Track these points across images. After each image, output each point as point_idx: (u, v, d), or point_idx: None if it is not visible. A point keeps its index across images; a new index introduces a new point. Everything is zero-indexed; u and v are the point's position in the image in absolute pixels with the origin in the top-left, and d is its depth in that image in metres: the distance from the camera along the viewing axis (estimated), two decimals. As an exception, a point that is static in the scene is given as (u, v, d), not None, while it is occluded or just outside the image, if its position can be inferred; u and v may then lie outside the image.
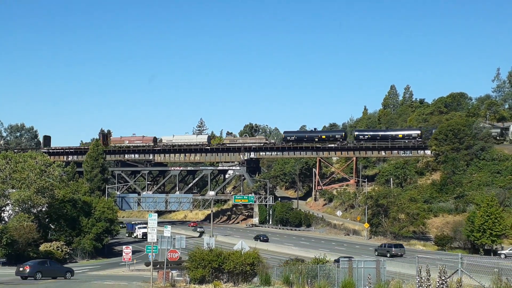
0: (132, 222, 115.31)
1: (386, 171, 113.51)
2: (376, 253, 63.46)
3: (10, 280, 39.39)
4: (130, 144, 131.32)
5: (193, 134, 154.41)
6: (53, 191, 68.04)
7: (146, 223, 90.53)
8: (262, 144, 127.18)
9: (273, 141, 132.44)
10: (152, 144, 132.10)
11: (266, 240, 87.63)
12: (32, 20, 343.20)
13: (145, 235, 79.96)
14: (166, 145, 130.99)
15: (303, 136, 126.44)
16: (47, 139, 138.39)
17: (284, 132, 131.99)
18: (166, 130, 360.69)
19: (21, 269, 41.31)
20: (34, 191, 64.42)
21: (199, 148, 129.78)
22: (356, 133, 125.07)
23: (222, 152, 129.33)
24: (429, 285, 15.41)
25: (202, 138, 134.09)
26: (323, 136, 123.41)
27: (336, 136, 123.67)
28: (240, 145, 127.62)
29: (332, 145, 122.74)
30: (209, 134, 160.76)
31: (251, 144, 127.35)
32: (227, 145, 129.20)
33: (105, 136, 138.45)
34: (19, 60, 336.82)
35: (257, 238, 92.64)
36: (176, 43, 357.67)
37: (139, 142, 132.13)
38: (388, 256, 60.41)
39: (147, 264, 47.57)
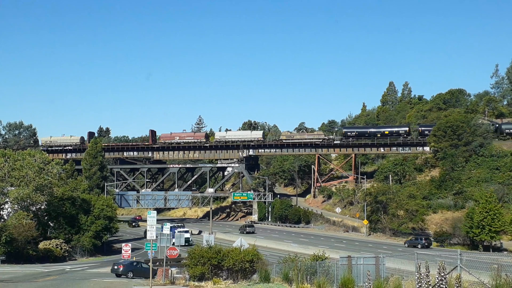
0: (171, 225, 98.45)
1: (385, 168, 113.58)
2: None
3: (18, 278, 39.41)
4: (181, 141, 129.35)
5: (239, 129, 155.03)
6: (52, 189, 67.99)
7: (180, 225, 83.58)
8: (320, 141, 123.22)
9: (332, 137, 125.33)
10: (204, 140, 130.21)
11: (252, 232, 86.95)
12: (30, 19, 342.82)
13: (187, 241, 73.16)
14: (164, 143, 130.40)
15: (365, 132, 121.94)
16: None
17: (344, 128, 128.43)
18: (164, 127, 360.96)
19: (115, 267, 43.89)
20: (33, 189, 64.37)
21: (198, 146, 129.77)
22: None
23: (221, 149, 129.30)
24: (428, 281, 15.41)
25: (257, 134, 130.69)
26: (386, 132, 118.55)
27: (400, 131, 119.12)
28: (297, 141, 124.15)
29: (331, 142, 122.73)
30: (264, 131, 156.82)
31: (308, 141, 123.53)
32: (283, 141, 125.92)
33: (153, 133, 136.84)
34: (17, 59, 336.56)
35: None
36: (175, 40, 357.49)
37: (190, 138, 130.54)
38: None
39: (147, 262, 47.59)
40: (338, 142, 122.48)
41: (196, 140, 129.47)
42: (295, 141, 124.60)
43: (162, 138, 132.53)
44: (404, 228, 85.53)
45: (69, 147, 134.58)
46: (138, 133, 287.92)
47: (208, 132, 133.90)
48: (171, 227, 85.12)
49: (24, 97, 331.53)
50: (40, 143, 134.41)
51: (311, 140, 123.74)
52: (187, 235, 77.45)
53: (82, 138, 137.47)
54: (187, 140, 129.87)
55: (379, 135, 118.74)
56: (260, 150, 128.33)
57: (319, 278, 26.00)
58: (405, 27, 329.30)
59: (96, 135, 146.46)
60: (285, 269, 28.72)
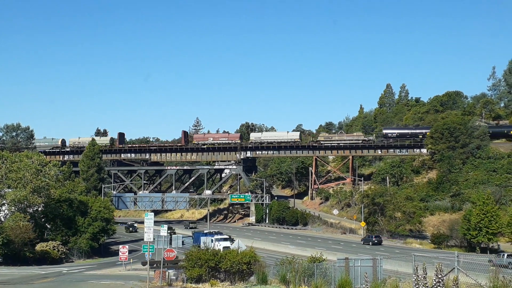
0: (205, 231, 79.36)
1: (382, 170, 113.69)
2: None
3: (7, 280, 39.30)
4: (215, 142, 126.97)
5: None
6: (49, 191, 67.87)
7: (216, 232, 73.29)
8: (360, 142, 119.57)
9: (371, 138, 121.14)
10: (239, 141, 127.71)
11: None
12: (28, 20, 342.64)
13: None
14: (197, 144, 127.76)
15: (406, 133, 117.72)
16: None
17: (384, 129, 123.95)
18: (162, 129, 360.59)
19: None
20: (30, 191, 64.24)
21: (195, 148, 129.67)
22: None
23: (219, 151, 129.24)
24: (426, 283, 15.41)
25: (294, 135, 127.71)
26: (428, 133, 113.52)
27: None
28: (335, 142, 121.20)
29: (328, 144, 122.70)
30: (301, 130, 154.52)
31: (347, 142, 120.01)
32: (321, 142, 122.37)
33: (186, 134, 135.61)
34: (15, 60, 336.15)
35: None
36: (172, 42, 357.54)
37: (224, 139, 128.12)
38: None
39: (144, 264, 47.48)
40: (379, 143, 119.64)
41: (230, 141, 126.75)
42: (333, 142, 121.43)
43: (196, 139, 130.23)
44: (402, 230, 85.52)
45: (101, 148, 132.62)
46: (136, 135, 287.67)
47: (258, 133, 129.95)
48: (205, 233, 72.22)
49: (21, 98, 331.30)
50: (67, 144, 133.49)
51: (351, 142, 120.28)
52: (227, 243, 61.11)
53: (112, 139, 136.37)
54: (221, 141, 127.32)
55: (420, 136, 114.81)
56: (257, 152, 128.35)
57: (317, 280, 26.00)
58: (402, 29, 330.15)
59: (124, 135, 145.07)
60: (282, 271, 28.69)
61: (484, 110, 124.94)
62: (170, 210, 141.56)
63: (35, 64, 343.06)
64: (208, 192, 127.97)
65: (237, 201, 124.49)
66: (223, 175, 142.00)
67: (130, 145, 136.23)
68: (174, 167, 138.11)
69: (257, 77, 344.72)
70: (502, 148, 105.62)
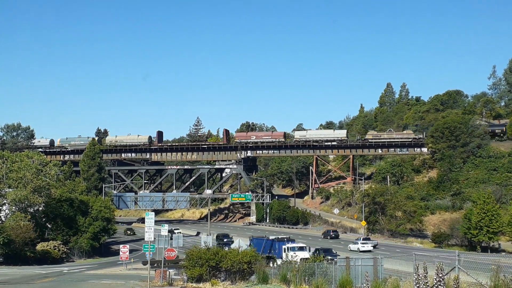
0: (272, 238, 60.91)
1: (382, 169, 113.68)
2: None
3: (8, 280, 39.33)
4: (258, 140, 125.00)
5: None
6: (50, 191, 67.90)
7: (286, 238, 56.11)
8: (410, 140, 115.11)
9: (421, 136, 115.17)
10: (283, 140, 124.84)
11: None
12: (28, 19, 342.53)
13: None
14: (240, 142, 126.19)
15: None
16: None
17: None
18: (162, 128, 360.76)
19: None
20: (30, 191, 64.26)
21: (196, 147, 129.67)
22: None
23: (219, 150, 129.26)
24: (426, 282, 15.39)
25: (341, 133, 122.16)
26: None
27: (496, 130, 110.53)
28: (385, 141, 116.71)
29: (329, 143, 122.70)
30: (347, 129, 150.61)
31: (398, 140, 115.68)
32: (369, 141, 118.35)
33: (227, 132, 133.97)
34: (15, 60, 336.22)
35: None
36: (172, 42, 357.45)
37: (267, 137, 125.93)
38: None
39: (145, 263, 47.52)
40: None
41: (274, 140, 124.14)
42: (383, 140, 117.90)
43: (238, 138, 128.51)
44: (402, 229, 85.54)
45: (135, 147, 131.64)
46: (136, 133, 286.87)
47: (302, 131, 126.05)
48: (273, 239, 56.34)
49: (22, 98, 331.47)
50: (106, 143, 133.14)
51: (401, 140, 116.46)
52: (305, 254, 47.15)
53: (149, 137, 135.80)
54: (264, 140, 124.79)
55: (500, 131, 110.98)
56: (258, 151, 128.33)
57: (317, 279, 25.98)
58: (402, 29, 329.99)
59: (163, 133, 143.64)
60: (283, 271, 28.68)
61: (485, 109, 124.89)
62: (171, 210, 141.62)
63: (35, 64, 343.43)
64: (208, 191, 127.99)
65: (237, 201, 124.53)
66: (223, 174, 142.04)
67: (169, 144, 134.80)
68: (174, 167, 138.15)
69: (257, 77, 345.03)
70: (503, 147, 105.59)
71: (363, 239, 70.70)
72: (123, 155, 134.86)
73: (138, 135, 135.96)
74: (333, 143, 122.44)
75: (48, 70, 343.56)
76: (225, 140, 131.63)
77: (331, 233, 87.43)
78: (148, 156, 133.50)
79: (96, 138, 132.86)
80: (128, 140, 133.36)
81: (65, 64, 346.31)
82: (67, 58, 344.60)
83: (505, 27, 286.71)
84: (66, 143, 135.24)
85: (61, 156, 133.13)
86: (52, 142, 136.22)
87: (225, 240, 72.33)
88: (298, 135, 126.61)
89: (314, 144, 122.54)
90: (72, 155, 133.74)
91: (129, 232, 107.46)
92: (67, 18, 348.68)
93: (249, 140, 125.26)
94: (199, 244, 48.04)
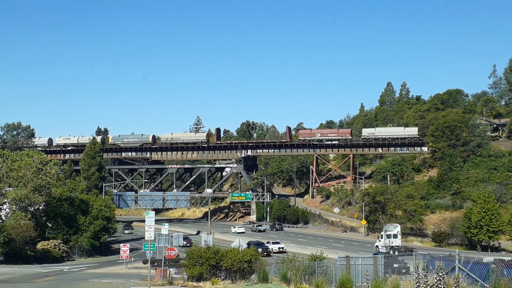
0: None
1: (383, 168, 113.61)
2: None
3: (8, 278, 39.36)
4: (323, 138, 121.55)
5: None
6: (50, 190, 67.90)
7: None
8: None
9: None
10: (350, 137, 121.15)
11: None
12: (28, 19, 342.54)
13: None
14: (304, 140, 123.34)
15: None
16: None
17: None
18: (163, 128, 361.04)
19: None
20: (31, 190, 64.29)
21: (196, 146, 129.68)
22: None
23: (219, 149, 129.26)
24: (427, 281, 15.42)
25: (412, 131, 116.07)
26: None
27: None
28: (384, 136, 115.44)
29: (329, 142, 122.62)
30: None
31: (398, 136, 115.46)
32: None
33: (290, 130, 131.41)
34: (16, 59, 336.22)
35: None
36: (173, 41, 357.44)
37: (333, 135, 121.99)
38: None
39: (145, 262, 47.56)
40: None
41: (340, 137, 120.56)
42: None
43: (301, 135, 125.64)
44: (402, 228, 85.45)
45: (192, 145, 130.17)
46: (137, 132, 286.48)
47: (371, 129, 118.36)
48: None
49: (22, 97, 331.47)
50: (162, 140, 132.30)
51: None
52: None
53: (207, 134, 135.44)
54: (329, 137, 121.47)
55: None
56: (258, 151, 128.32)
57: (317, 278, 26.00)
58: (403, 27, 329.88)
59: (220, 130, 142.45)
60: (283, 269, 28.71)
61: (485, 108, 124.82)
62: (171, 209, 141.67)
63: (36, 64, 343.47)
64: (209, 190, 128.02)
65: (238, 200, 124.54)
66: (224, 173, 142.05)
67: (227, 142, 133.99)
68: (175, 166, 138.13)
69: (257, 76, 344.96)
70: (503, 146, 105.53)
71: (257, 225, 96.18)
72: (123, 154, 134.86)
73: (196, 133, 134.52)
74: (334, 142, 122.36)
75: (48, 69, 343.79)
76: (288, 138, 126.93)
77: (277, 226, 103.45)
78: (148, 155, 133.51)
79: (151, 136, 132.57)
80: (185, 137, 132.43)
81: (65, 64, 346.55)
82: (67, 58, 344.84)
83: (505, 26, 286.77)
84: (118, 141, 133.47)
85: (61, 155, 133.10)
86: (154, 138, 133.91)
87: (259, 249, 57.37)
88: (366, 132, 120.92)
89: (315, 143, 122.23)
90: (72, 154, 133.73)
91: (126, 231, 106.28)
92: (67, 18, 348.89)
93: (313, 138, 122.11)
94: (199, 243, 48.09)
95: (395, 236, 67.39)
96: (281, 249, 67.20)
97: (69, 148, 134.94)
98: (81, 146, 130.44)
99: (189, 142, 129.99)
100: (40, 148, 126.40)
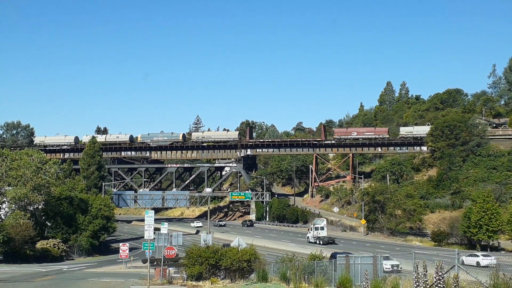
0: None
1: (382, 168, 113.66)
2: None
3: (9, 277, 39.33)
4: (359, 136, 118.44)
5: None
6: (50, 189, 67.91)
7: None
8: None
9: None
10: (387, 136, 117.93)
11: None
12: (28, 19, 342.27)
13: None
14: (339, 139, 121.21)
15: None
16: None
17: None
18: (162, 127, 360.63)
19: None
20: (30, 189, 64.28)
21: (196, 145, 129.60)
22: None
23: (219, 149, 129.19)
24: (426, 280, 15.40)
25: (425, 129, 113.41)
26: None
27: None
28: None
29: (329, 142, 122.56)
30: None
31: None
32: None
33: (325, 128, 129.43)
34: (15, 59, 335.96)
35: None
36: (172, 40, 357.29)
37: (370, 133, 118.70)
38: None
39: (144, 261, 47.53)
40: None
41: (377, 136, 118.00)
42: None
43: (337, 133, 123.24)
44: (402, 228, 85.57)
45: (223, 143, 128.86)
46: (137, 132, 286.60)
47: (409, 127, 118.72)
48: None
49: (22, 96, 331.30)
50: (193, 139, 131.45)
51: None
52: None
53: (239, 133, 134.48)
54: (366, 136, 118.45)
55: None
56: (257, 150, 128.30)
57: (317, 277, 25.99)
58: (402, 27, 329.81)
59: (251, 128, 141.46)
60: (282, 269, 28.69)
61: (485, 108, 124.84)
62: (171, 208, 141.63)
63: (35, 63, 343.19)
64: (208, 190, 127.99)
65: (237, 199, 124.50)
66: (223, 173, 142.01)
67: (263, 140, 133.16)
68: (174, 165, 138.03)
69: (257, 76, 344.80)
70: (502, 146, 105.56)
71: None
72: (122, 153, 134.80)
73: (228, 131, 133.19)
74: (333, 141, 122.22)
75: (48, 69, 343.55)
76: (323, 136, 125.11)
77: (248, 222, 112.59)
78: (147, 154, 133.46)
79: (182, 134, 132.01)
80: (216, 136, 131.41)
81: (65, 63, 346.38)
82: (68, 57, 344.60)
83: (505, 25, 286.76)
84: (148, 139, 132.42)
85: (61, 154, 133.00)
86: (184, 136, 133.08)
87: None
88: (404, 131, 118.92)
89: (314, 143, 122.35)
90: (72, 153, 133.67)
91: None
92: (67, 17, 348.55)
93: (349, 136, 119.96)
94: (199, 242, 48.03)
95: (322, 228, 77.91)
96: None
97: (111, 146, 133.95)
98: (109, 145, 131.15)
99: (221, 140, 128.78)
100: (225, 143, 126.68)
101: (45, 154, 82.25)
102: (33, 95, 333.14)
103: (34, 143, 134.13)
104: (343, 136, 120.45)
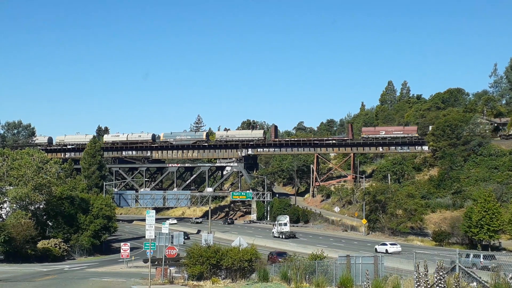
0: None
1: (383, 167, 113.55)
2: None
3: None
4: (387, 135, 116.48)
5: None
6: (51, 188, 67.92)
7: None
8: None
9: (417, 135, 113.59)
10: (417, 134, 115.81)
11: None
12: (29, 19, 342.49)
13: None
14: (367, 138, 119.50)
15: None
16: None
17: None
18: (163, 126, 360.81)
19: None
20: (31, 188, 64.29)
21: (197, 145, 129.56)
22: None
23: (220, 148, 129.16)
24: (427, 280, 15.41)
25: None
26: None
27: None
28: (383, 136, 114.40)
29: (330, 141, 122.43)
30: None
31: (398, 136, 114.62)
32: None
33: (352, 127, 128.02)
34: (16, 58, 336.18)
35: None
36: (173, 40, 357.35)
37: (399, 132, 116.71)
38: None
39: (145, 261, 47.55)
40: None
41: (406, 135, 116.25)
42: (382, 135, 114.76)
43: (365, 132, 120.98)
44: (403, 228, 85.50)
45: (247, 142, 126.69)
46: (137, 131, 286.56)
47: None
48: None
49: (22, 96, 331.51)
50: (216, 138, 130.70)
51: (402, 136, 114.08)
52: None
53: (264, 132, 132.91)
54: (394, 135, 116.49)
55: None
56: (258, 149, 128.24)
57: (318, 277, 25.98)
58: (403, 27, 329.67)
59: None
60: (283, 269, 28.69)
61: (486, 107, 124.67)
62: (172, 208, 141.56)
63: (36, 62, 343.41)
64: (209, 189, 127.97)
65: (238, 199, 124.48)
66: (224, 172, 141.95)
67: (287, 139, 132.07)
68: (175, 165, 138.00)
69: (258, 75, 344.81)
70: (504, 145, 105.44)
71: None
72: (123, 153, 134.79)
73: (252, 130, 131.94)
74: (334, 141, 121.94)
75: (49, 68, 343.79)
76: (351, 136, 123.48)
77: (228, 220, 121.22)
78: (148, 154, 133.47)
79: (205, 133, 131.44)
80: (241, 134, 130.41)
81: (66, 63, 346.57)
82: (68, 57, 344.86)
83: (506, 25, 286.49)
84: (170, 138, 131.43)
85: (62, 154, 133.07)
86: (207, 135, 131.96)
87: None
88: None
89: (379, 141, 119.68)
90: (73, 153, 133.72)
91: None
92: (68, 17, 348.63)
93: (378, 136, 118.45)
94: (200, 242, 48.04)
95: (285, 224, 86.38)
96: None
97: (119, 145, 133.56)
98: (130, 144, 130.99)
99: (245, 139, 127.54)
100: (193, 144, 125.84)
101: (45, 154, 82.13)
102: (33, 95, 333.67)
103: (54, 142, 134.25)
104: (371, 135, 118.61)
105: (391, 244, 65.60)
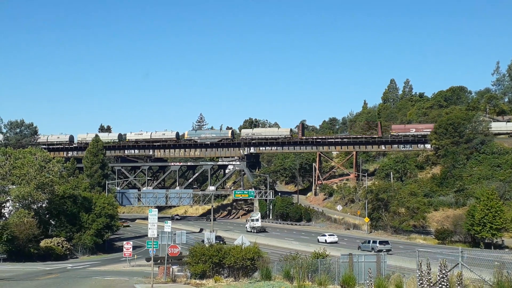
0: None
1: (386, 165, 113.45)
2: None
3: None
4: (417, 133, 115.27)
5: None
6: (53, 187, 68.02)
7: None
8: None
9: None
10: None
11: None
12: (30, 19, 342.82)
13: None
14: (397, 135, 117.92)
15: None
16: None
17: None
18: (166, 125, 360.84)
19: None
20: (34, 187, 64.40)
21: (199, 144, 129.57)
22: None
23: (222, 147, 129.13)
24: (430, 278, 15.38)
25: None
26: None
27: None
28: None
29: (332, 140, 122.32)
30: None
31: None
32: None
33: (381, 125, 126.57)
34: (18, 58, 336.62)
35: None
36: (175, 39, 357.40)
37: (428, 130, 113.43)
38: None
39: (148, 260, 47.58)
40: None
41: (427, 134, 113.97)
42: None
43: (394, 130, 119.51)
44: (405, 226, 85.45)
45: (274, 140, 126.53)
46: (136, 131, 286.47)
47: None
48: None
49: (25, 95, 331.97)
50: (242, 136, 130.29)
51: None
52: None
53: (291, 130, 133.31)
54: (425, 132, 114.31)
55: None
56: (261, 148, 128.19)
57: (320, 275, 25.96)
58: (406, 25, 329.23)
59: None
60: (286, 267, 28.67)
61: (488, 105, 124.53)
62: (174, 206, 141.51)
63: (38, 62, 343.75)
64: (211, 188, 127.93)
65: (240, 197, 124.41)
66: (226, 171, 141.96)
67: (307, 138, 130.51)
68: (177, 163, 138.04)
69: (261, 74, 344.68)
70: (507, 143, 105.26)
71: None
72: (126, 151, 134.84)
73: (279, 128, 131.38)
74: (337, 139, 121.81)
75: (49, 68, 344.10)
76: (380, 133, 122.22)
77: (206, 221, 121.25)
78: (151, 152, 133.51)
79: (231, 131, 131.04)
80: (267, 132, 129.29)
81: (67, 63, 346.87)
82: (70, 57, 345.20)
83: (508, 23, 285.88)
84: (195, 136, 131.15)
85: (64, 153, 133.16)
86: (233, 133, 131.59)
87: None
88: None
89: (317, 140, 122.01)
90: (75, 152, 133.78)
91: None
92: (68, 17, 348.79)
93: (408, 133, 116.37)
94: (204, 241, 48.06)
95: (257, 220, 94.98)
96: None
97: (141, 144, 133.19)
98: (153, 142, 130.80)
99: (271, 137, 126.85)
100: (277, 140, 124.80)
101: (48, 153, 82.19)
102: (36, 94, 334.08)
103: (76, 140, 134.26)
104: (401, 133, 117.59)
105: (329, 234, 76.09)
